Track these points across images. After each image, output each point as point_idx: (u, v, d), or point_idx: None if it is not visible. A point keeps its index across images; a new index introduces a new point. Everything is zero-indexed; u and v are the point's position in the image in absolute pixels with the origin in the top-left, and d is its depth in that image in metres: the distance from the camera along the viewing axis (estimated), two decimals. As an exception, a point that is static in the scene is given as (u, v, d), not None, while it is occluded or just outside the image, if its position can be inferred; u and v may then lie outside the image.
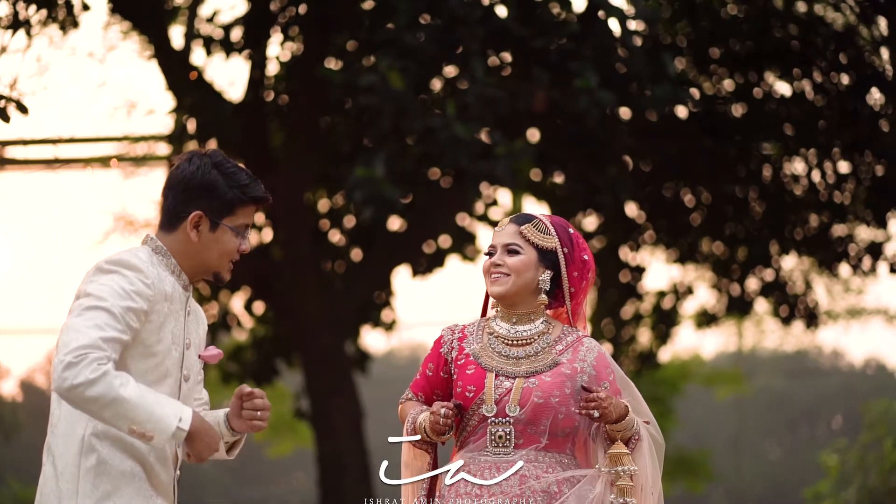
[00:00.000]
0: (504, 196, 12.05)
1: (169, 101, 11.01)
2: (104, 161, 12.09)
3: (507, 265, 4.01)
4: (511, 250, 4.02)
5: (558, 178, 11.52)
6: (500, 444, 3.92)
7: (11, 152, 11.63)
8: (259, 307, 12.02)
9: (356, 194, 8.16)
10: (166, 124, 11.75)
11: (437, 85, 9.13)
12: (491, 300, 4.11)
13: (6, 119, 6.48)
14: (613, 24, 8.52)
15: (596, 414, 3.86)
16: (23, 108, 6.53)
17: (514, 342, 4.01)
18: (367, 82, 8.19)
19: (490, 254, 4.06)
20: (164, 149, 12.54)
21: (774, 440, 30.52)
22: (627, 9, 8.56)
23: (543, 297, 4.02)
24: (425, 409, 4.01)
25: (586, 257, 4.09)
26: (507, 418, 3.91)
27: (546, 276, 4.02)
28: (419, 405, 4.07)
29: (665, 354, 13.00)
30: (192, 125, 10.45)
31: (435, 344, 4.11)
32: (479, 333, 4.07)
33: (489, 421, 3.92)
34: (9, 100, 6.41)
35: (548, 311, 4.10)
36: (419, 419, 3.97)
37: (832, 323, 15.61)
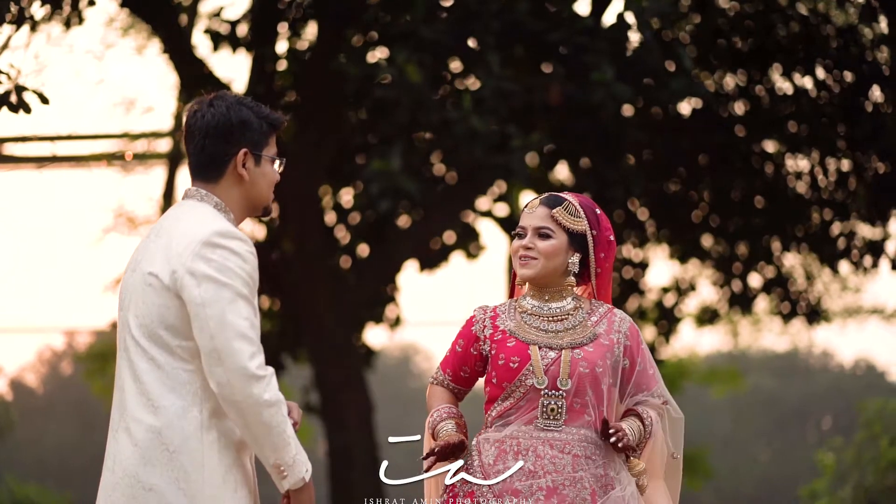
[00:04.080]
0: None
1: (170, 97, 11.00)
2: (103, 158, 12.08)
3: (537, 249, 4.00)
4: (542, 234, 4.00)
5: (561, 174, 11.54)
6: (552, 417, 3.90)
7: (9, 149, 11.59)
8: (265, 301, 12.01)
9: (372, 187, 8.16)
10: (166, 121, 11.75)
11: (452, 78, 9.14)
12: (518, 279, 4.10)
13: (28, 110, 6.43)
14: (629, 18, 8.54)
15: (620, 445, 3.87)
16: (44, 99, 6.48)
17: (550, 318, 4.01)
18: (385, 73, 8.19)
19: (520, 235, 4.05)
20: (164, 145, 12.54)
21: (764, 439, 30.58)
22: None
23: (572, 279, 4.03)
24: (451, 416, 4.01)
25: (612, 238, 4.09)
26: (560, 391, 3.90)
27: (575, 258, 4.01)
28: (446, 401, 4.07)
29: (665, 352, 13.02)
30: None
31: (466, 322, 4.09)
32: (512, 312, 4.05)
33: (542, 393, 3.91)
34: (34, 91, 6.34)
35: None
36: (438, 427, 3.99)
37: (829, 321, 15.64)
